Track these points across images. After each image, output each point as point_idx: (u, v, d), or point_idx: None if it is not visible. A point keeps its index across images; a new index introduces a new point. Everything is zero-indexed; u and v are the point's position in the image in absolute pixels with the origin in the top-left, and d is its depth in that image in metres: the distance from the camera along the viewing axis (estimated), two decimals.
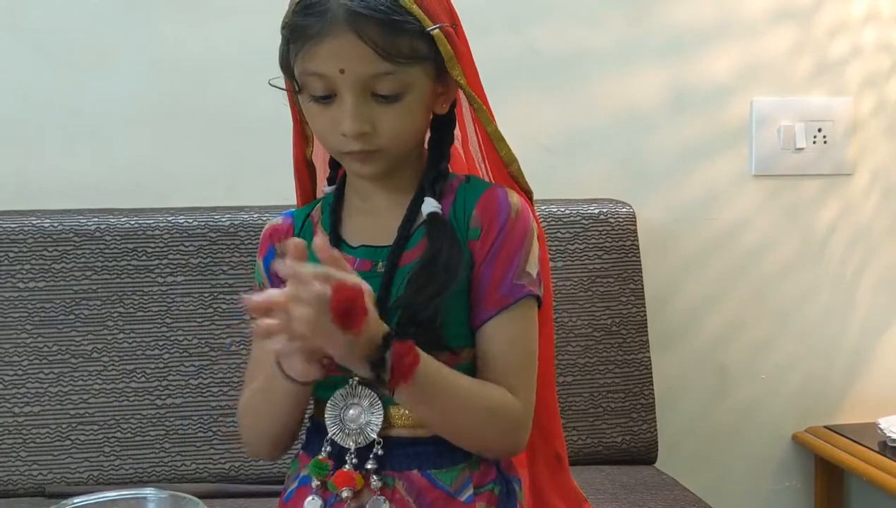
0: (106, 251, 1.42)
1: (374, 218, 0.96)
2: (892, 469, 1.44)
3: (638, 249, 1.55)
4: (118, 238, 1.43)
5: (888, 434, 1.53)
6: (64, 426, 1.38)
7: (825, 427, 1.68)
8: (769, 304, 1.71)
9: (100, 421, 1.39)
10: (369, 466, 0.89)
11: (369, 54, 0.85)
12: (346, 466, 0.89)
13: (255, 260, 1.04)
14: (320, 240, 0.80)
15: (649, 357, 1.53)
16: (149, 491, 1.08)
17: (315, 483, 0.90)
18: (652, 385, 1.52)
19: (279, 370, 0.87)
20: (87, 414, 1.39)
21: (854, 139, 1.71)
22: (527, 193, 1.01)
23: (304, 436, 0.99)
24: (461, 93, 0.99)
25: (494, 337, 0.92)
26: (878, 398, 1.73)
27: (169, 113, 1.55)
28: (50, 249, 1.41)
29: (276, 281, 0.91)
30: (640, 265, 1.55)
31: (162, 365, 1.41)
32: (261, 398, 0.95)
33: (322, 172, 1.04)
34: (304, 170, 1.04)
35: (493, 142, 0.98)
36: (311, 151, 1.03)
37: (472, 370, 0.93)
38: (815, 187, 1.71)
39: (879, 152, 1.72)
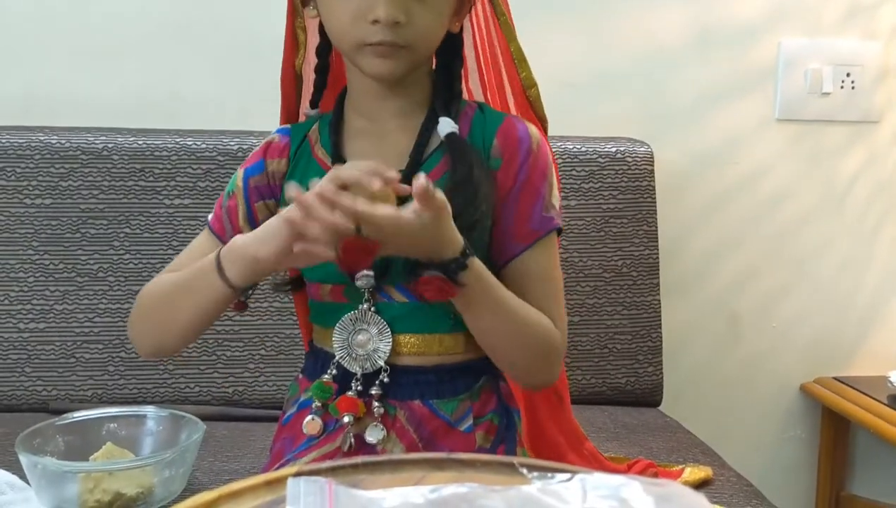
0: (113, 170, 1.41)
1: (380, 140, 0.92)
2: None
3: (654, 190, 1.52)
4: (125, 157, 1.41)
5: None
6: (69, 343, 1.39)
7: (834, 378, 1.66)
8: (785, 253, 1.68)
9: (105, 341, 1.39)
10: (373, 392, 0.88)
11: None
12: (350, 392, 0.88)
13: None
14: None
15: (659, 300, 1.51)
16: (149, 409, 1.08)
17: (316, 404, 0.90)
18: (660, 328, 1.50)
19: (217, 272, 0.84)
20: (91, 333, 1.39)
21: (883, 85, 1.66)
22: (542, 121, 0.98)
23: (303, 361, 0.98)
24: (470, 20, 0.96)
25: (526, 272, 0.90)
26: (890, 351, 1.70)
27: (181, 33, 1.52)
28: (57, 166, 1.40)
29: (253, 194, 0.94)
30: (656, 207, 1.52)
31: None
32: (180, 292, 0.89)
33: (309, 88, 0.99)
34: (292, 84, 1.00)
35: (515, 63, 0.95)
36: (301, 61, 0.99)
37: None
38: (840, 134, 1.66)
39: None
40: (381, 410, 0.88)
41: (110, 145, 1.41)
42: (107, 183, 1.41)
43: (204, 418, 1.08)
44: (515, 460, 0.53)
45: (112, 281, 1.40)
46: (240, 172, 0.96)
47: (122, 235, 1.40)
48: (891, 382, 1.54)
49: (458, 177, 0.86)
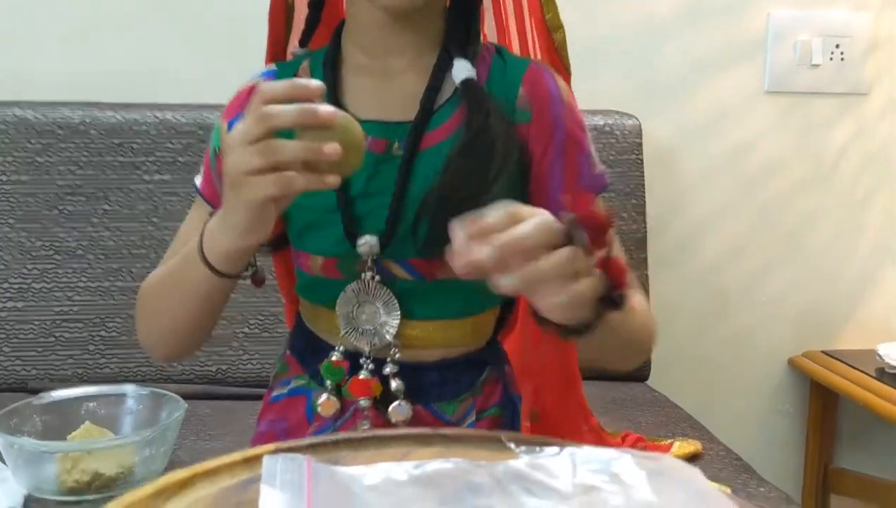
0: (91, 146, 1.38)
1: (385, 80, 0.81)
2: (890, 395, 1.42)
3: (642, 164, 1.50)
4: (104, 132, 1.38)
5: (887, 361, 1.51)
6: (48, 323, 1.36)
7: (822, 352, 1.66)
8: (775, 226, 1.67)
9: (85, 319, 1.37)
10: (387, 370, 0.81)
11: None
12: (363, 373, 0.81)
13: None
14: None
15: (647, 275, 1.49)
16: (129, 388, 1.06)
17: (328, 383, 0.82)
18: (648, 303, 1.48)
19: (205, 265, 0.74)
20: (71, 312, 1.36)
21: (872, 57, 1.64)
22: (567, 71, 0.90)
23: (289, 337, 0.92)
24: None
25: None
26: (879, 324, 1.70)
27: (160, 5, 1.48)
28: (33, 142, 1.37)
29: None
30: (644, 180, 1.50)
31: (149, 265, 1.37)
32: (174, 286, 0.80)
33: (300, 25, 0.88)
34: (281, 14, 0.89)
35: (541, 2, 0.87)
36: None
37: None
38: (830, 106, 1.65)
39: None
40: (402, 386, 0.81)
41: (88, 120, 1.38)
42: (85, 158, 1.37)
43: (187, 397, 1.06)
44: (503, 435, 0.51)
45: (91, 259, 1.37)
46: (223, 125, 0.85)
47: (100, 212, 1.37)
48: (879, 355, 1.53)
49: (472, 130, 0.76)
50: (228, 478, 0.46)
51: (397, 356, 0.82)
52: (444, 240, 0.74)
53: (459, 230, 0.58)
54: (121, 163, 1.38)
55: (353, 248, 0.79)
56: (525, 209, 0.59)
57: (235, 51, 1.48)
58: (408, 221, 0.78)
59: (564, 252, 0.58)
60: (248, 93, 0.84)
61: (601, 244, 0.60)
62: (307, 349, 0.87)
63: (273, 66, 0.87)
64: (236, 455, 0.48)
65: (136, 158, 1.38)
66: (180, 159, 1.38)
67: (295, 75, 0.83)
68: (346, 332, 0.82)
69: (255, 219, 0.69)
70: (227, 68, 1.48)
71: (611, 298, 0.64)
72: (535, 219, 0.58)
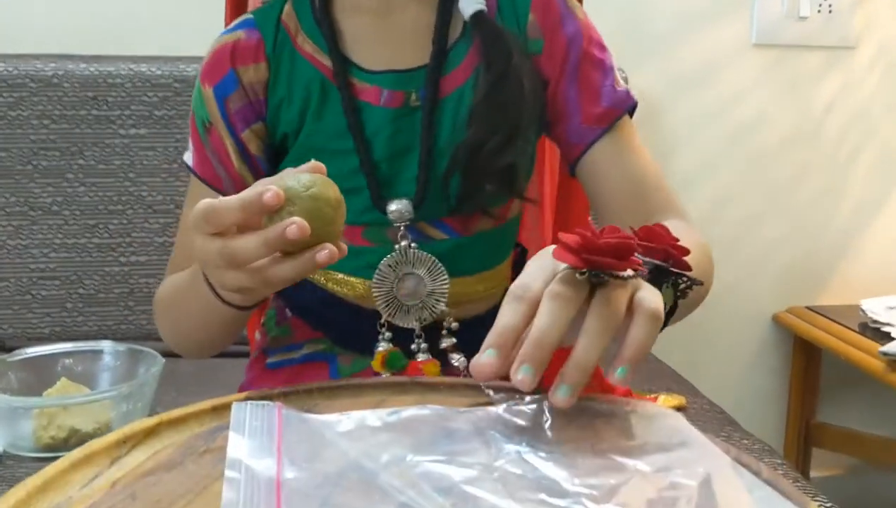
0: (64, 99, 1.34)
1: (386, 21, 0.74)
2: (873, 349, 1.42)
3: None
4: (77, 85, 1.34)
5: (870, 316, 1.51)
6: (24, 280, 1.34)
7: (807, 307, 1.65)
8: (760, 181, 1.65)
9: (62, 277, 1.34)
10: (444, 345, 0.76)
11: None
12: (420, 356, 0.76)
13: None
14: None
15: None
16: (105, 344, 1.05)
17: (387, 374, 0.76)
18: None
19: (207, 286, 0.65)
20: (48, 269, 1.34)
21: (860, 10, 1.62)
22: None
23: (291, 295, 0.83)
24: None
25: (618, 165, 0.75)
26: (863, 280, 1.70)
27: None
28: (5, 95, 1.33)
29: (237, 122, 0.75)
30: None
31: (126, 222, 1.35)
32: (186, 296, 0.72)
33: None
34: None
35: None
36: None
37: (518, 215, 0.80)
38: (817, 60, 1.63)
39: (886, 26, 1.64)
40: (464, 361, 0.75)
41: (60, 72, 1.34)
42: (58, 112, 1.34)
43: (167, 355, 1.04)
44: (482, 382, 0.50)
45: (67, 215, 1.34)
46: (208, 92, 0.76)
47: (75, 167, 1.34)
48: (863, 310, 1.53)
49: (495, 72, 0.70)
50: (196, 427, 0.45)
51: (453, 325, 0.76)
52: (478, 194, 0.71)
53: (486, 359, 0.46)
54: (95, 117, 1.35)
55: (383, 215, 0.74)
56: (530, 290, 0.47)
57: (211, 1, 1.45)
58: (437, 179, 0.73)
59: (595, 307, 0.47)
60: (232, 52, 0.76)
61: (627, 260, 0.49)
62: (316, 309, 0.80)
63: (249, 15, 0.78)
64: (204, 404, 0.46)
65: (110, 112, 1.35)
66: (156, 113, 1.35)
67: (278, 21, 0.76)
68: (389, 315, 0.75)
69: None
70: (204, 18, 1.45)
71: (679, 285, 0.56)
72: (548, 298, 0.46)
